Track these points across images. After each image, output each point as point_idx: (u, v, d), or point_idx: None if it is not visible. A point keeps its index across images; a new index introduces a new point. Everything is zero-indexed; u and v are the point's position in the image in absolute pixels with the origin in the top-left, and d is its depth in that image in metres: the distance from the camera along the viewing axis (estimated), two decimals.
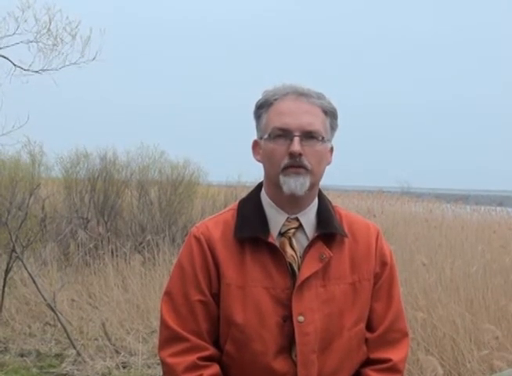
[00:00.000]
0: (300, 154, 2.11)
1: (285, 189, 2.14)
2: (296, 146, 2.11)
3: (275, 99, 2.18)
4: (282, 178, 2.14)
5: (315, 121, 2.15)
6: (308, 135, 2.14)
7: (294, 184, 2.13)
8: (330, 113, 2.20)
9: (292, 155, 2.11)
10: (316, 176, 2.17)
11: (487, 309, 6.55)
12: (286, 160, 2.12)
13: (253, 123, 2.27)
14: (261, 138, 2.21)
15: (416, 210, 19.54)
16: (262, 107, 2.20)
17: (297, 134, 2.12)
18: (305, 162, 2.12)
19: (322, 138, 2.16)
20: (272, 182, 2.20)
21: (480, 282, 7.22)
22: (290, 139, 2.13)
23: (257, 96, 2.26)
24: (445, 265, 7.98)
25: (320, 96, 2.19)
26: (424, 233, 12.40)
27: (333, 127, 2.23)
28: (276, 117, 2.16)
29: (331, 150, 2.24)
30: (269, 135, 2.16)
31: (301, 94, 2.17)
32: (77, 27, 10.16)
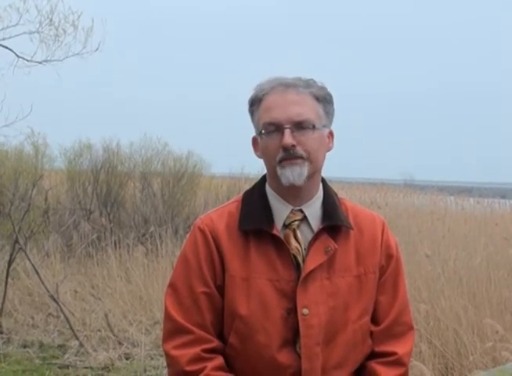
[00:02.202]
0: (293, 146, 2.10)
1: (283, 180, 2.13)
2: (287, 138, 2.10)
3: (264, 95, 2.17)
4: (279, 171, 2.13)
5: (304, 110, 2.14)
6: (299, 126, 2.12)
7: (291, 174, 2.12)
8: (323, 99, 2.18)
9: (285, 148, 2.11)
10: (315, 164, 2.16)
11: (490, 302, 6.55)
12: (280, 154, 2.12)
13: None
14: (258, 134, 2.21)
15: (419, 202, 19.54)
16: (254, 104, 2.20)
17: (287, 126, 2.11)
18: (300, 152, 2.11)
19: (313, 126, 2.14)
20: (272, 176, 2.19)
21: (483, 274, 7.21)
22: (281, 132, 2.12)
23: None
24: (448, 257, 7.98)
25: (309, 84, 2.17)
26: (427, 225, 12.40)
27: (328, 112, 2.20)
28: (265, 112, 2.15)
29: (331, 135, 2.23)
30: (262, 132, 2.16)
31: (288, 85, 2.16)
32: (79, 17, 10.12)
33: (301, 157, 2.12)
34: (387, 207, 15.54)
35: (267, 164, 2.19)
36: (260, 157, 2.23)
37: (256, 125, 2.21)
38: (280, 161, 2.12)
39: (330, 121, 2.22)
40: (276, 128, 2.13)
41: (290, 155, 2.11)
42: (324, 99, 2.19)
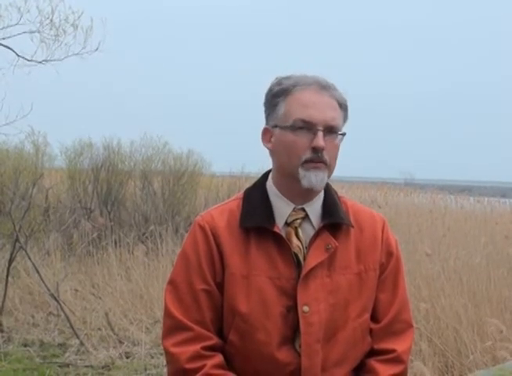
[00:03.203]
0: (323, 149, 2.10)
1: (304, 183, 2.12)
2: (321, 141, 2.09)
3: (296, 89, 2.14)
4: (301, 172, 2.11)
5: (337, 115, 2.14)
6: (330, 130, 2.12)
7: (315, 179, 2.11)
8: (344, 106, 2.19)
9: (315, 150, 2.09)
10: (332, 171, 2.17)
11: (490, 301, 6.55)
12: (308, 154, 2.10)
13: (257, 114, 2.25)
14: (275, 126, 2.17)
15: (419, 201, 19.54)
16: (279, 95, 2.16)
17: (320, 128, 2.10)
18: (326, 157, 2.11)
19: (344, 133, 2.16)
20: (286, 173, 2.17)
21: (483, 273, 7.22)
22: (313, 132, 2.10)
23: (260, 87, 2.24)
24: (448, 256, 7.99)
25: (336, 89, 2.18)
26: (428, 224, 12.40)
27: (345, 120, 2.21)
28: (299, 108, 2.12)
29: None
30: (291, 127, 2.12)
31: (323, 87, 2.14)
32: (79, 17, 10.12)
33: (325, 163, 2.12)
34: (387, 206, 15.55)
35: (285, 160, 2.15)
36: (270, 149, 2.21)
37: (279, 117, 2.16)
38: (304, 162, 2.11)
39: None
40: (308, 126, 2.11)
41: (317, 158, 2.10)
42: (345, 107, 2.20)
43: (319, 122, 2.10)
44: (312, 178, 2.11)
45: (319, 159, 2.10)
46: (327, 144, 2.11)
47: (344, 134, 2.16)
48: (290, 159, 2.13)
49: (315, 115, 2.11)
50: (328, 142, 2.11)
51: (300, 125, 2.11)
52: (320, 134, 2.10)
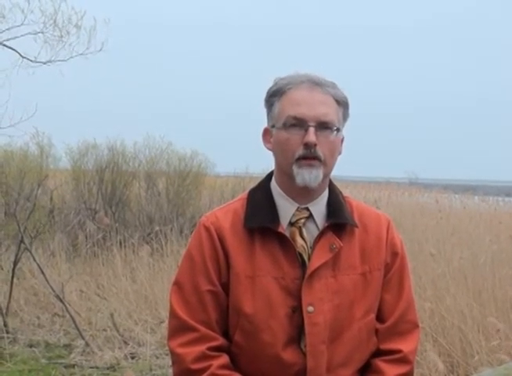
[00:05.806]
0: (315, 145, 2.10)
1: (298, 180, 2.12)
2: (311, 136, 2.09)
3: (289, 88, 2.15)
4: (295, 170, 2.12)
5: (330, 111, 2.14)
6: (323, 126, 2.12)
7: (308, 176, 2.11)
8: (343, 103, 2.19)
9: (307, 146, 2.10)
10: (329, 167, 2.16)
11: (495, 300, 6.54)
12: (300, 151, 2.11)
13: (261, 114, 2.26)
14: (272, 126, 2.19)
15: (423, 201, 19.55)
16: (275, 95, 2.18)
17: (312, 124, 2.10)
18: (319, 153, 2.11)
19: (337, 129, 2.15)
20: (283, 172, 2.18)
21: (488, 272, 7.21)
22: (304, 129, 2.11)
23: (263, 87, 2.25)
24: (453, 255, 7.98)
25: (334, 86, 2.18)
26: (432, 223, 12.39)
27: (345, 117, 2.21)
28: (291, 106, 2.13)
29: (342, 140, 2.23)
30: (283, 125, 2.14)
31: (317, 83, 2.15)
32: (82, 17, 10.14)
33: (319, 159, 2.11)
34: (391, 205, 15.55)
35: (281, 158, 2.17)
36: (270, 149, 2.22)
37: (275, 117, 2.18)
38: (298, 159, 2.11)
39: (343, 127, 2.23)
40: (300, 123, 2.11)
41: (309, 154, 2.10)
42: (344, 104, 2.19)
43: (310, 118, 2.11)
44: (306, 175, 2.11)
45: (311, 155, 2.10)
46: (321, 140, 2.11)
47: (338, 129, 2.15)
48: (285, 157, 2.15)
49: (305, 112, 2.11)
50: (321, 138, 2.11)
51: (292, 123, 2.13)
52: (311, 130, 2.10)
